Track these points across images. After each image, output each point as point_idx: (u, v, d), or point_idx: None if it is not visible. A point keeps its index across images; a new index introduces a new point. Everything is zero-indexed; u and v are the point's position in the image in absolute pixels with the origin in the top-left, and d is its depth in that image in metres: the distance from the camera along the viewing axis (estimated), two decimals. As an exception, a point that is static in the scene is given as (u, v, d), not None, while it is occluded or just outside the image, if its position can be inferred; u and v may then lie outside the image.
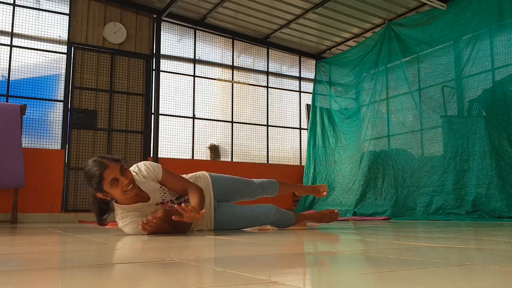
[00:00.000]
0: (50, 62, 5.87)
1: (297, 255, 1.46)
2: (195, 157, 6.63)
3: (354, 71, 7.03)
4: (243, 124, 7.17)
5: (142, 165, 2.53)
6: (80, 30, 6.04)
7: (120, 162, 2.35)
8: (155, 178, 2.51)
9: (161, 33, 6.55)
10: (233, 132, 7.06)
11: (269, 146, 7.34)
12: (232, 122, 7.07)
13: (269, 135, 7.37)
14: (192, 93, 6.79)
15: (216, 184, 2.74)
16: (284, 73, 7.72)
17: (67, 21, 5.99)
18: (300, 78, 7.84)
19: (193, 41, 6.91)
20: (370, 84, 6.66)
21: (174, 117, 6.58)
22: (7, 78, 5.55)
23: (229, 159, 6.97)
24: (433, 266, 1.07)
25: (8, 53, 5.59)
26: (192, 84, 6.81)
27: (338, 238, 2.16)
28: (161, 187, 2.51)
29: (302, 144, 7.67)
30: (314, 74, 7.86)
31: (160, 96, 6.41)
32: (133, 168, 2.52)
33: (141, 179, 2.45)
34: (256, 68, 7.43)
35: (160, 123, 6.36)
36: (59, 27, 5.95)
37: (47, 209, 5.55)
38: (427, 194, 5.33)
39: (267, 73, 7.51)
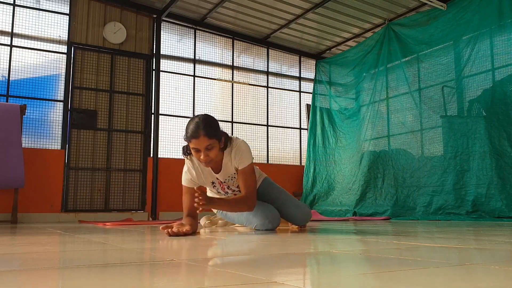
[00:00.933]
0: (50, 62, 5.86)
1: (297, 255, 1.46)
2: (195, 157, 6.62)
3: (354, 71, 7.03)
4: (243, 124, 7.17)
5: (240, 148, 2.58)
6: (80, 30, 6.04)
7: (212, 139, 2.40)
8: (235, 165, 2.60)
9: (161, 33, 6.55)
10: (233, 132, 7.05)
11: (269, 146, 7.34)
12: (232, 122, 7.07)
13: (269, 135, 7.37)
14: (192, 93, 6.78)
15: (261, 187, 2.87)
16: (284, 73, 7.72)
17: (67, 21, 5.99)
18: (300, 78, 7.84)
19: (193, 41, 6.91)
20: (370, 84, 6.65)
21: (174, 117, 6.58)
22: (7, 78, 5.55)
23: (229, 159, 6.96)
24: (433, 266, 1.07)
25: (8, 53, 5.59)
26: (192, 84, 6.81)
27: (338, 238, 2.16)
28: (234, 173, 2.64)
29: (302, 144, 7.67)
30: (314, 74, 7.86)
31: (160, 96, 6.41)
32: (237, 142, 2.60)
33: (230, 156, 2.58)
34: (256, 68, 7.43)
35: (160, 123, 6.36)
36: (59, 27, 5.95)
37: (47, 209, 5.55)
38: (427, 194, 5.33)
39: (267, 73, 7.51)
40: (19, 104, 5.22)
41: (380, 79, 6.42)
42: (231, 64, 7.19)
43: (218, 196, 2.82)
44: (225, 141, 2.56)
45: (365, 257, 1.35)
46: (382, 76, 6.39)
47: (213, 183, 2.72)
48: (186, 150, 2.61)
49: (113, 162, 6.05)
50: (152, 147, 6.27)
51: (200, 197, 2.30)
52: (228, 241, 1.97)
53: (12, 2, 5.68)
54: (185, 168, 2.64)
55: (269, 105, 7.44)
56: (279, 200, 2.83)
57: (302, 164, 7.56)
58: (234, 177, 2.69)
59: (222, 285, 0.82)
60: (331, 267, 1.13)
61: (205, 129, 2.37)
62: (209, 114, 2.58)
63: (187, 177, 2.62)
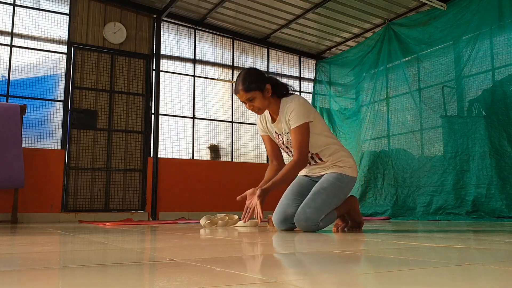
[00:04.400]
0: (50, 62, 5.86)
1: (297, 254, 1.46)
2: (195, 157, 6.63)
3: (354, 71, 7.03)
4: (243, 124, 7.17)
5: (293, 104, 2.58)
6: (80, 30, 6.04)
7: (250, 93, 2.55)
8: (287, 120, 2.61)
9: (161, 33, 6.55)
10: (233, 132, 7.06)
11: (269, 146, 7.33)
12: (232, 122, 7.07)
13: (269, 135, 7.36)
14: (192, 93, 6.78)
15: (324, 178, 2.67)
16: (284, 73, 7.72)
17: (67, 21, 5.99)
18: (300, 78, 7.84)
19: (193, 41, 6.91)
20: (370, 84, 6.66)
21: (174, 117, 6.58)
22: (7, 78, 5.55)
23: (229, 159, 6.97)
24: (433, 266, 1.07)
25: (8, 53, 5.59)
26: (192, 84, 6.81)
27: (338, 238, 2.16)
28: (287, 131, 2.64)
29: (302, 144, 7.66)
30: (314, 74, 7.86)
31: (160, 96, 6.41)
32: (294, 98, 2.62)
33: (284, 108, 2.62)
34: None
35: (160, 123, 6.36)
36: (59, 27, 5.95)
37: (47, 209, 5.55)
38: (427, 194, 5.33)
39: (267, 73, 7.51)
40: (19, 104, 5.22)
41: (380, 79, 6.42)
42: (231, 64, 7.19)
43: (285, 149, 2.77)
44: (274, 88, 2.63)
45: (365, 257, 1.35)
46: (382, 76, 6.39)
47: (276, 133, 2.75)
48: None
49: (113, 162, 6.05)
50: (152, 147, 6.27)
51: (252, 202, 2.46)
52: (227, 241, 1.98)
53: (12, 2, 5.68)
54: (257, 120, 2.89)
55: (269, 105, 7.43)
56: (308, 196, 2.55)
57: (302, 164, 7.55)
58: (288, 135, 2.64)
59: (222, 285, 0.82)
60: (331, 267, 1.13)
61: (243, 84, 2.55)
62: (253, 67, 2.77)
63: (259, 127, 2.86)
